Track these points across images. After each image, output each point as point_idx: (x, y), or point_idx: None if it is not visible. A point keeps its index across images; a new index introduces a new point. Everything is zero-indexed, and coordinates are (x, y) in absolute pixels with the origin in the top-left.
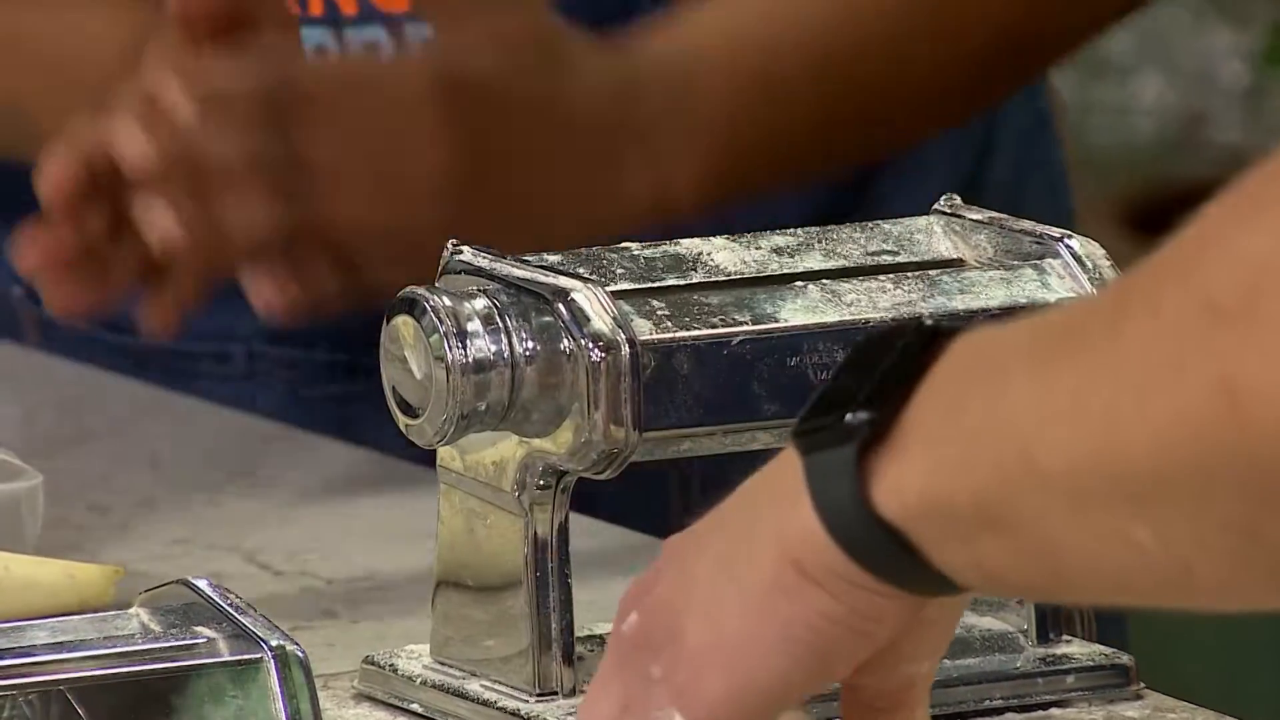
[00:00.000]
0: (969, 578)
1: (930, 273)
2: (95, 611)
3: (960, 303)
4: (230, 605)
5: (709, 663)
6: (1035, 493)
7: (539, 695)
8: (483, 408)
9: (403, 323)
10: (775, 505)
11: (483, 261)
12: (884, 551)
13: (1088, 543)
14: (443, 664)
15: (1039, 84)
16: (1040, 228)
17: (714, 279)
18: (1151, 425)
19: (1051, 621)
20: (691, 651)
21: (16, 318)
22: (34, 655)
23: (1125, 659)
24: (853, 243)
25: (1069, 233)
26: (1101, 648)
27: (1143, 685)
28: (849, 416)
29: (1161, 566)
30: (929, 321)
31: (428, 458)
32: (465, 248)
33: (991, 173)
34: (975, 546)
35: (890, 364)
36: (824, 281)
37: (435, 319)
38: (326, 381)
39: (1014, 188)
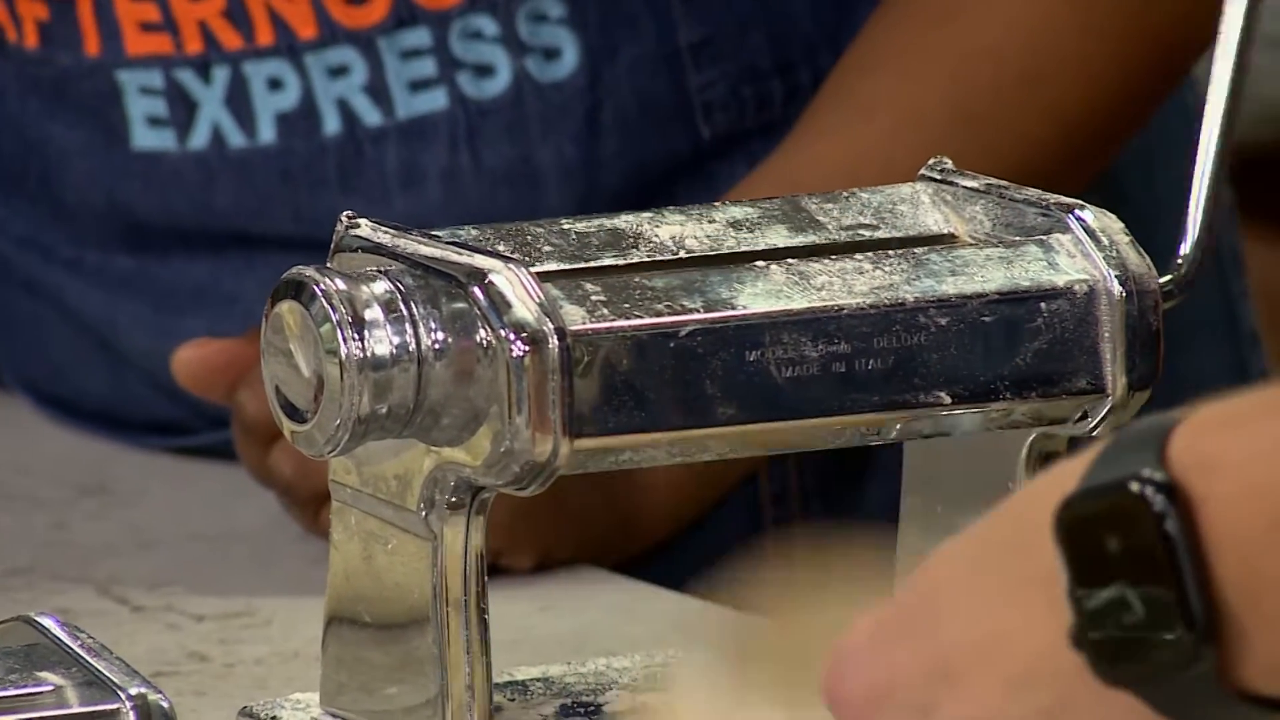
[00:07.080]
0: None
1: (916, 250)
2: None
3: (951, 286)
4: (81, 647)
5: None
6: None
7: None
8: (383, 411)
9: (288, 310)
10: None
11: (384, 237)
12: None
13: None
14: (335, 715)
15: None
16: (1047, 197)
17: (659, 258)
18: None
19: None
20: None
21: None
22: None
23: None
24: (824, 215)
25: (1080, 203)
26: None
27: None
28: (1178, 654)
29: None
30: (1146, 482)
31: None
32: (363, 220)
33: None
34: None
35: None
36: (790, 261)
37: (327, 305)
38: None
39: None
